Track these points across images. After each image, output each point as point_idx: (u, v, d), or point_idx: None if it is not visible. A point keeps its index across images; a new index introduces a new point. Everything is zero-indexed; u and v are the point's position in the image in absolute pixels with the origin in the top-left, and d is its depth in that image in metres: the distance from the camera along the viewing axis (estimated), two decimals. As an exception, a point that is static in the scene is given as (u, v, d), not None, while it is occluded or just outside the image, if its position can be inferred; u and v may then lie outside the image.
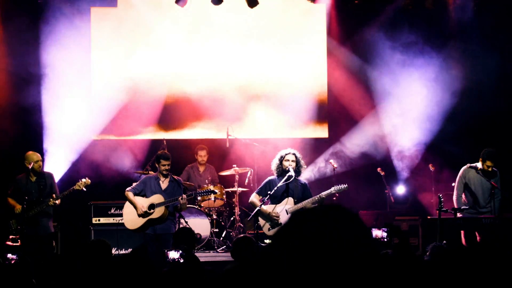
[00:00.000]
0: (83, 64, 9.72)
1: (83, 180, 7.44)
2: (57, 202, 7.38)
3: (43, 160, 7.77)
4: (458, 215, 7.28)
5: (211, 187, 8.64)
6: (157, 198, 7.31)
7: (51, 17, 9.47)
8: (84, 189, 7.46)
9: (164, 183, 7.44)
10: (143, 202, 7.32)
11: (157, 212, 7.26)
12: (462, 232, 7.54)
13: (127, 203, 7.43)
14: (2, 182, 8.29)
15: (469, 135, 9.45)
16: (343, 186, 7.15)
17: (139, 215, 7.29)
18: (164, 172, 7.40)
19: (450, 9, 9.76)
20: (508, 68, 9.38)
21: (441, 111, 9.60)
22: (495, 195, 7.44)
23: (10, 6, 9.40)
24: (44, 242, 7.44)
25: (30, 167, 7.41)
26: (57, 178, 7.84)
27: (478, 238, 7.44)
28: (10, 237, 7.45)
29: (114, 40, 9.85)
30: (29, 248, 7.16)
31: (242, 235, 5.26)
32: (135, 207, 7.31)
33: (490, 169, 7.45)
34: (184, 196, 7.26)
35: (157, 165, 7.49)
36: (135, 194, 7.39)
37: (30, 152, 7.59)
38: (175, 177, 7.58)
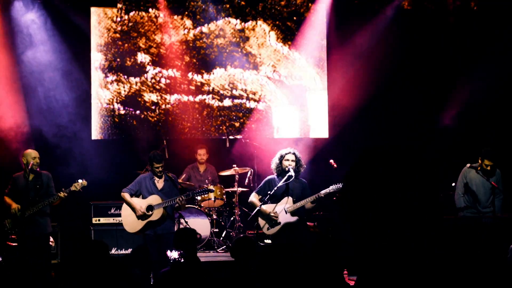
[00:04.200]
0: (83, 64, 9.74)
1: (80, 181, 7.36)
2: (63, 195, 7.34)
3: (41, 159, 7.74)
4: (459, 215, 7.28)
5: (211, 187, 8.64)
6: (154, 199, 7.25)
7: (51, 17, 9.48)
8: (81, 190, 7.40)
9: (159, 183, 7.38)
10: (140, 204, 7.27)
11: (156, 214, 7.20)
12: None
13: (125, 206, 7.35)
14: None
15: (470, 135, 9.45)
16: (341, 185, 7.14)
17: (138, 217, 7.25)
18: (159, 174, 7.36)
19: (450, 9, 9.75)
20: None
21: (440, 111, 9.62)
22: (496, 195, 7.43)
23: (9, 6, 9.38)
24: (42, 241, 7.40)
25: (25, 163, 7.36)
26: (56, 178, 7.82)
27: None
28: (10, 237, 7.43)
29: (114, 40, 9.86)
30: (27, 248, 7.14)
31: (242, 235, 5.28)
32: (133, 209, 7.27)
33: (489, 168, 7.45)
34: (183, 197, 7.24)
35: (149, 168, 7.47)
36: (131, 195, 7.34)
37: (29, 150, 7.53)
38: (170, 174, 7.52)
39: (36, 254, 7.06)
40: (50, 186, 7.53)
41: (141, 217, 7.22)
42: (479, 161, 7.51)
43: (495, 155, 7.44)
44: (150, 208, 7.22)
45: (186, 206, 8.54)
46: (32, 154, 7.43)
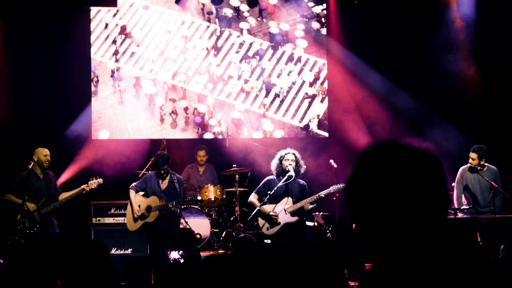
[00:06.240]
0: (83, 64, 9.74)
1: (95, 179, 7.47)
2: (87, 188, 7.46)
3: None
4: (458, 215, 7.27)
5: (211, 188, 8.66)
6: (153, 201, 7.35)
7: (51, 16, 9.49)
8: (96, 187, 7.49)
9: (164, 183, 7.46)
10: (141, 203, 7.38)
11: (152, 216, 7.32)
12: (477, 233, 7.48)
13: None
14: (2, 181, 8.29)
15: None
16: (341, 185, 7.13)
17: (136, 217, 7.37)
18: (162, 176, 7.45)
19: (452, 9, 9.72)
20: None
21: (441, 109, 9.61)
22: (496, 194, 7.41)
23: (8, 5, 9.38)
24: (54, 241, 7.43)
25: (36, 160, 7.35)
26: (56, 178, 7.87)
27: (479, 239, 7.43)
28: (10, 237, 7.40)
29: (114, 40, 9.88)
30: (38, 247, 7.13)
31: (243, 235, 5.30)
32: (132, 208, 7.41)
33: (475, 162, 7.47)
34: (174, 203, 7.28)
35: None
36: (137, 191, 7.49)
37: (39, 148, 7.54)
38: (175, 177, 7.58)
39: (48, 253, 7.04)
40: (55, 185, 7.59)
41: (139, 217, 7.34)
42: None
43: (482, 151, 7.46)
44: (149, 209, 7.30)
45: (188, 206, 8.55)
46: (44, 151, 7.46)
